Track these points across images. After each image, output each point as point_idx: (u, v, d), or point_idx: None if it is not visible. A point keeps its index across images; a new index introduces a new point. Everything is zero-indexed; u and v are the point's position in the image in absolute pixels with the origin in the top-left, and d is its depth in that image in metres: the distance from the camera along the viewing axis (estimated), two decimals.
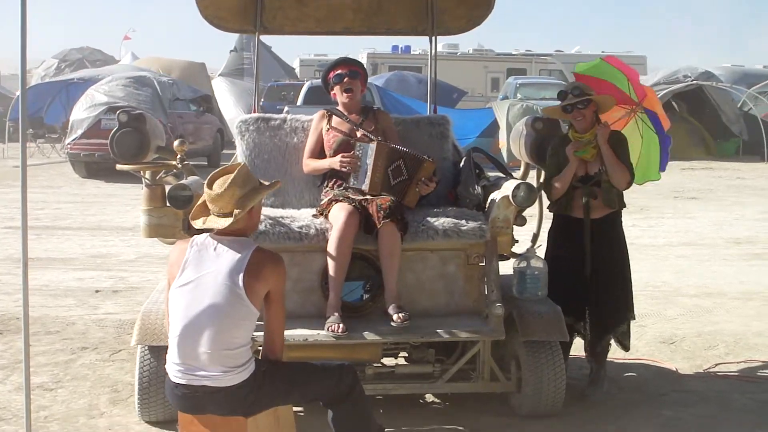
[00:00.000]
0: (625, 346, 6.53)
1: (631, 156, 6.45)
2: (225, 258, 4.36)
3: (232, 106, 29.72)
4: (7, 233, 13.30)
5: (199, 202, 4.57)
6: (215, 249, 4.40)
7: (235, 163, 4.92)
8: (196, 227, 4.53)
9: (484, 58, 36.36)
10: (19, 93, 20.16)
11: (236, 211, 4.39)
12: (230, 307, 4.30)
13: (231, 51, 34.42)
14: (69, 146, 20.90)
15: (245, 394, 4.35)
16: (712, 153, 27.46)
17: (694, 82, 29.10)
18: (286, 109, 20.06)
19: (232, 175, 4.42)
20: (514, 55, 38.48)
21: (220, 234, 4.45)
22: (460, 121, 19.24)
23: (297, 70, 41.14)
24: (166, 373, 4.48)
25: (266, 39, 25.63)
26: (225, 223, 4.40)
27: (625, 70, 6.66)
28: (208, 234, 4.49)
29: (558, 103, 6.43)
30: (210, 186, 4.45)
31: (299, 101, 24.12)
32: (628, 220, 13.96)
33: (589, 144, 6.23)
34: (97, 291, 9.50)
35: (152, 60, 28.14)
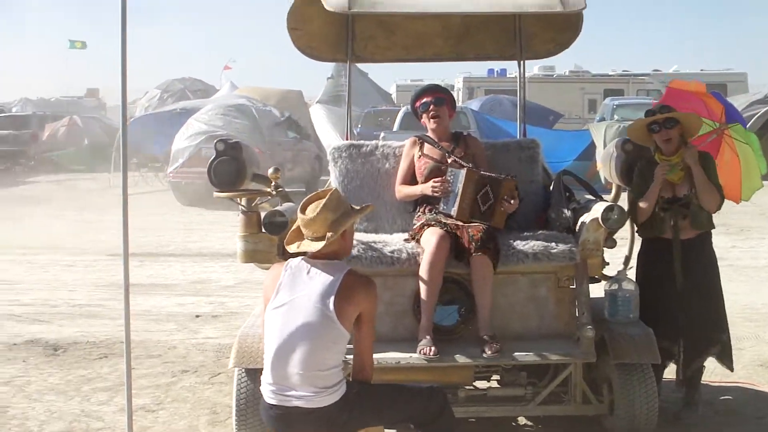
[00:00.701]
0: (729, 367, 6.47)
1: (733, 175, 6.43)
2: (318, 281, 4.49)
3: (330, 133, 30.05)
4: (113, 260, 13.67)
5: (293, 228, 4.70)
6: (308, 272, 4.53)
7: (326, 189, 5.04)
8: (291, 251, 4.67)
9: (581, 79, 36.13)
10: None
11: (329, 235, 4.51)
12: (322, 329, 4.41)
13: (328, 78, 34.85)
14: (171, 174, 21.43)
15: (337, 415, 4.45)
16: None
17: None
18: (382, 134, 20.26)
19: (324, 200, 4.55)
20: (610, 75, 38.11)
21: (313, 257, 4.59)
22: (556, 144, 19.21)
23: (393, 96, 41.44)
24: (261, 394, 4.62)
25: (363, 65, 25.89)
26: (318, 246, 4.52)
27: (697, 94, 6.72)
28: (302, 257, 4.63)
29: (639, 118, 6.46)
30: (303, 211, 4.59)
31: (395, 127, 24.30)
32: (727, 241, 13.88)
33: (677, 166, 6.22)
34: (197, 316, 9.75)
35: (250, 89, 28.60)
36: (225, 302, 10.49)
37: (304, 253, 4.65)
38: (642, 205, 6.22)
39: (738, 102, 26.31)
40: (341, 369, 4.54)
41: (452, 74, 35.15)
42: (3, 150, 33.53)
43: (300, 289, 4.49)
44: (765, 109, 25.55)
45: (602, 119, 26.44)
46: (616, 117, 25.32)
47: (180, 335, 8.85)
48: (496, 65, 34.61)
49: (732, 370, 6.56)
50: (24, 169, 32.87)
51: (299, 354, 4.40)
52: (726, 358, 6.45)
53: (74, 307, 10.30)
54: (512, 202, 6.00)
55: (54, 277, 12.27)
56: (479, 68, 35.98)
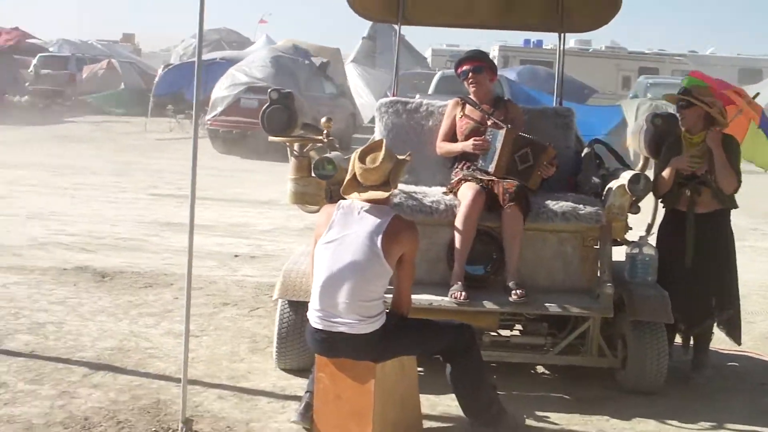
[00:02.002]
0: (736, 339, 6.90)
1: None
2: (367, 221, 4.96)
3: (363, 93, 30.41)
4: (153, 200, 14.26)
5: (348, 177, 5.16)
6: (359, 213, 5.01)
7: (377, 140, 5.47)
8: (354, 203, 5.11)
9: (616, 55, 36.16)
10: (160, 71, 21.24)
11: (392, 183, 5.07)
12: (368, 264, 4.90)
13: (363, 38, 35.05)
14: (209, 122, 21.91)
15: (376, 343, 4.95)
16: None
17: None
18: (417, 97, 20.57)
19: (382, 151, 5.02)
20: (646, 54, 38.08)
21: (365, 202, 5.05)
22: (587, 118, 19.44)
23: (429, 60, 41.58)
24: (307, 320, 5.11)
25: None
26: (384, 194, 5.02)
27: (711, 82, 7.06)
28: (353, 200, 5.10)
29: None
30: (362, 161, 5.05)
31: (431, 90, 24.57)
32: (750, 222, 14.19)
33: (696, 148, 6.61)
34: (236, 255, 10.24)
35: (288, 43, 28.91)
36: (262, 245, 10.99)
37: None
38: (664, 174, 6.62)
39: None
40: (382, 302, 5.02)
41: (488, 42, 35.36)
42: (42, 89, 34.11)
43: (351, 227, 4.98)
44: None
45: (635, 96, 26.61)
46: (649, 95, 25.48)
47: (220, 272, 9.34)
48: (533, 36, 34.75)
49: (739, 343, 6.97)
50: (61, 109, 33.39)
51: (346, 285, 4.89)
52: (733, 331, 6.86)
53: (118, 240, 10.82)
54: (550, 168, 6.47)
55: (96, 212, 12.78)
56: (515, 38, 36.13)
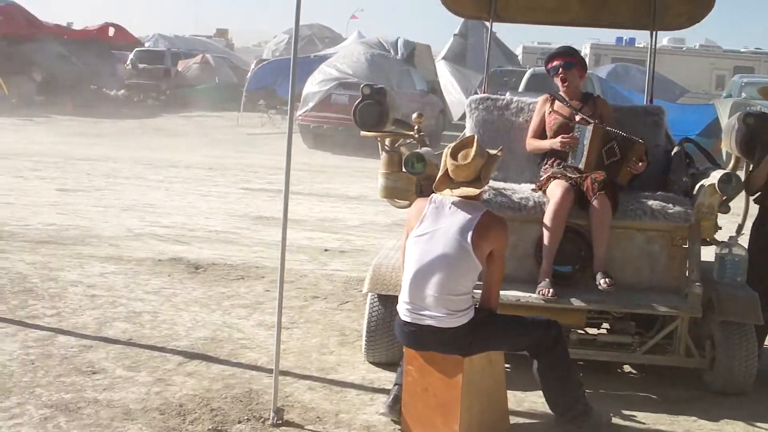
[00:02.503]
0: None
1: None
2: (458, 216, 5.04)
3: (454, 90, 30.44)
4: (245, 194, 14.52)
5: (441, 173, 5.24)
6: (450, 207, 5.09)
7: (468, 136, 5.54)
8: (445, 198, 5.20)
9: (711, 54, 35.64)
10: (253, 66, 21.59)
11: (483, 179, 5.16)
12: (458, 259, 4.98)
13: (455, 35, 35.07)
14: (300, 118, 22.18)
15: (464, 336, 5.02)
16: None
17: None
18: (507, 94, 20.55)
19: (473, 148, 5.10)
20: (742, 52, 37.44)
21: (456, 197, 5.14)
22: (679, 117, 19.24)
23: (519, 57, 41.46)
24: (397, 313, 5.21)
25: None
26: (476, 191, 5.10)
27: None
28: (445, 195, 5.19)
29: None
30: (454, 158, 5.13)
31: (521, 88, 24.49)
32: None
33: None
34: (326, 250, 10.40)
35: (380, 38, 29.05)
36: (351, 240, 11.13)
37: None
38: (756, 174, 6.57)
39: None
40: (471, 297, 5.09)
41: (580, 39, 35.08)
42: (138, 83, 34.85)
43: (442, 221, 5.06)
44: None
45: (729, 96, 26.22)
46: (743, 95, 25.08)
47: (310, 266, 9.49)
48: (626, 34, 34.44)
49: None
50: (156, 103, 34.08)
51: (436, 278, 4.97)
52: None
53: (211, 232, 11.06)
54: (640, 164, 6.46)
55: (190, 205, 13.08)
56: (607, 36, 35.85)
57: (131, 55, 36.09)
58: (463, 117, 29.38)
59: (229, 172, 17.29)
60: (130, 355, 6.35)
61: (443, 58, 33.60)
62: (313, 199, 14.22)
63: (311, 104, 21.83)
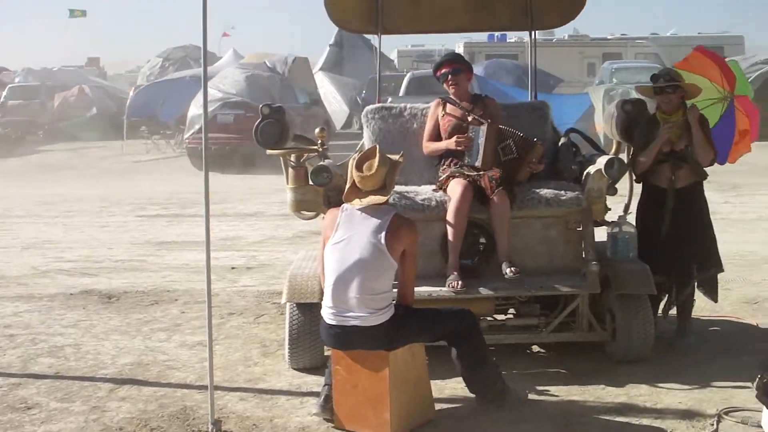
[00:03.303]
0: (713, 298, 7.40)
1: (746, 136, 7.34)
2: (370, 221, 5.40)
3: (334, 100, 30.79)
4: (142, 221, 14.64)
5: (348, 185, 5.58)
6: (361, 214, 5.44)
7: (370, 147, 5.87)
8: (355, 207, 5.53)
9: (580, 43, 36.49)
10: (131, 93, 21.58)
11: (389, 186, 5.54)
12: (374, 260, 5.33)
13: (330, 45, 35.43)
14: (187, 140, 22.27)
15: (387, 332, 5.37)
16: None
17: None
18: (389, 100, 20.97)
19: (377, 158, 5.45)
20: (609, 39, 38.34)
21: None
22: (558, 107, 19.80)
23: (395, 62, 41.98)
24: (322, 317, 5.52)
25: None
26: (384, 198, 5.46)
27: (716, 60, 7.54)
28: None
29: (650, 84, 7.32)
30: (359, 169, 5.47)
31: (401, 92, 24.93)
32: (721, 197, 14.73)
33: (677, 124, 7.09)
34: (233, 268, 10.62)
35: (258, 56, 29.24)
36: (255, 256, 11.37)
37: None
38: (642, 159, 7.08)
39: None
40: (390, 295, 5.44)
41: (453, 39, 35.64)
42: (14, 120, 34.26)
43: (355, 227, 5.41)
44: (760, 71, 26.16)
45: (601, 83, 27.10)
46: (614, 80, 25.96)
47: (220, 284, 9.69)
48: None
49: (716, 301, 7.47)
50: (35, 139, 33.57)
51: (356, 281, 5.31)
52: (711, 291, 7.34)
53: (117, 262, 11.17)
54: (539, 165, 6.95)
55: (90, 237, 13.14)
56: (480, 33, 36.48)
57: (4, 93, 35.52)
58: (345, 126, 29.70)
59: (123, 201, 17.31)
60: (61, 388, 6.49)
61: (321, 69, 33.90)
62: (212, 220, 14.22)
63: (197, 126, 21.92)
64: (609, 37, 39.24)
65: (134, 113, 28.38)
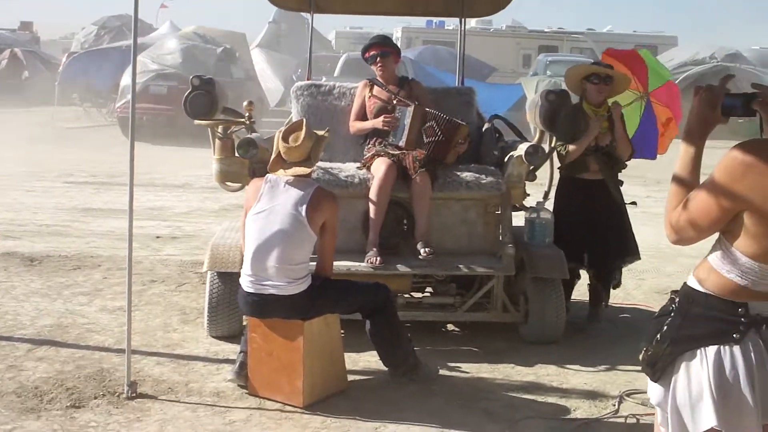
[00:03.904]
0: (617, 282, 7.66)
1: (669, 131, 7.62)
2: (292, 193, 5.51)
3: (269, 78, 30.75)
4: (69, 187, 14.55)
5: (273, 156, 5.70)
6: (284, 185, 5.55)
7: (297, 120, 6.00)
8: (280, 177, 5.64)
9: (517, 34, 36.84)
10: (64, 59, 21.23)
11: (313, 159, 5.65)
12: (294, 231, 5.45)
13: (269, 23, 35.36)
14: (119, 110, 22.13)
15: (303, 302, 5.51)
16: (736, 132, 28.00)
17: (720, 63, 29.53)
18: (324, 79, 21.04)
19: (303, 131, 5.57)
20: (546, 32, 38.83)
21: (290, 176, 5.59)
22: (489, 95, 20.17)
23: (332, 43, 42.00)
24: (240, 285, 5.63)
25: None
26: (308, 169, 5.59)
27: (626, 62, 7.77)
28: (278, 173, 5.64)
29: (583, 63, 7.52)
30: (286, 140, 5.59)
31: (336, 72, 25.05)
32: (644, 191, 15.06)
33: (603, 118, 7.31)
34: (157, 237, 10.67)
35: (195, 29, 29.08)
36: (181, 226, 11.44)
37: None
38: (572, 149, 7.28)
39: (667, 64, 27.48)
40: (308, 265, 5.57)
41: (392, 23, 35.84)
42: None
43: (278, 199, 5.52)
44: (686, 73, 26.73)
45: (535, 74, 27.48)
46: (548, 72, 26.35)
47: (144, 252, 9.75)
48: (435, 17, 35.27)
49: (618, 286, 7.74)
50: None
51: (275, 251, 5.43)
52: (618, 275, 7.61)
53: (41, 226, 11.14)
54: (464, 145, 7.13)
55: (15, 201, 13.03)
56: (418, 19, 36.68)
57: None
58: (280, 104, 29.58)
59: (52, 166, 17.15)
60: None
61: (258, 45, 33.83)
62: (139, 189, 14.17)
63: (129, 96, 21.79)
64: (546, 30, 39.71)
65: (67, 79, 28.05)
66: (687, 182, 3.03)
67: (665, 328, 3.11)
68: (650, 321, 3.32)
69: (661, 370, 3.11)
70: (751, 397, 2.91)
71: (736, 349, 2.93)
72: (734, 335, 2.94)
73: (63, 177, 15.78)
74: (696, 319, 3.02)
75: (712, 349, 2.95)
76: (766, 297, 2.94)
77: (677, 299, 3.12)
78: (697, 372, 2.97)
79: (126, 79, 22.23)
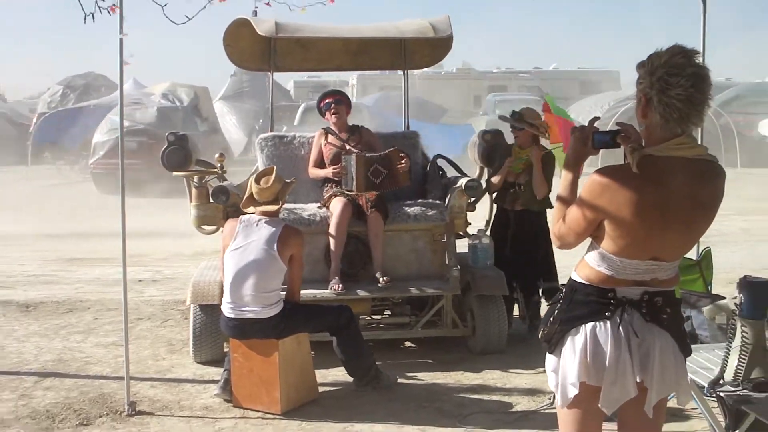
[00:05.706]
0: (537, 303, 8.59)
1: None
2: (264, 231, 6.47)
3: (233, 128, 31.64)
4: (52, 239, 15.42)
5: (247, 195, 6.64)
6: (257, 225, 6.51)
7: (269, 167, 6.96)
8: (249, 213, 6.59)
9: (467, 76, 37.62)
10: (35, 120, 21.81)
11: (281, 199, 6.57)
12: (267, 264, 6.41)
13: (231, 76, 36.17)
14: (92, 166, 22.98)
15: (277, 323, 6.45)
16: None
17: None
18: (284, 128, 22.02)
19: (273, 175, 6.53)
20: (494, 72, 39.51)
21: (261, 215, 6.55)
22: (443, 137, 21.09)
23: (291, 92, 42.73)
24: (222, 312, 6.57)
25: None
26: (275, 208, 6.52)
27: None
28: (252, 215, 6.58)
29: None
30: (258, 182, 6.54)
31: (296, 122, 25.93)
32: None
33: (521, 161, 8.29)
34: (140, 280, 11.56)
35: (160, 86, 29.88)
36: (160, 270, 12.35)
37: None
38: (493, 180, 8.30)
39: (609, 98, 28.66)
40: (279, 292, 6.52)
41: (347, 72, 36.57)
42: None
43: (252, 236, 6.48)
44: (626, 107, 27.70)
45: (485, 114, 28.46)
46: (497, 111, 27.36)
47: (128, 294, 10.43)
48: None
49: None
50: None
51: (251, 281, 6.38)
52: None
53: (30, 276, 12.00)
54: (404, 162, 7.97)
55: (2, 255, 13.84)
56: None
57: None
58: (243, 153, 30.07)
59: (33, 222, 17.73)
60: None
61: (221, 98, 34.61)
62: (117, 239, 14.96)
63: (102, 152, 22.68)
64: (494, 70, 40.39)
65: (40, 139, 28.78)
66: (567, 200, 3.93)
67: (556, 311, 3.95)
68: (546, 307, 4.19)
69: (554, 344, 3.95)
70: (629, 358, 3.75)
71: (609, 323, 3.80)
72: (606, 314, 3.79)
73: (44, 231, 16.52)
74: (578, 304, 3.86)
75: (590, 325, 3.80)
76: (629, 284, 3.83)
77: (564, 290, 4.00)
78: (578, 342, 3.85)
79: (98, 136, 23.11)
